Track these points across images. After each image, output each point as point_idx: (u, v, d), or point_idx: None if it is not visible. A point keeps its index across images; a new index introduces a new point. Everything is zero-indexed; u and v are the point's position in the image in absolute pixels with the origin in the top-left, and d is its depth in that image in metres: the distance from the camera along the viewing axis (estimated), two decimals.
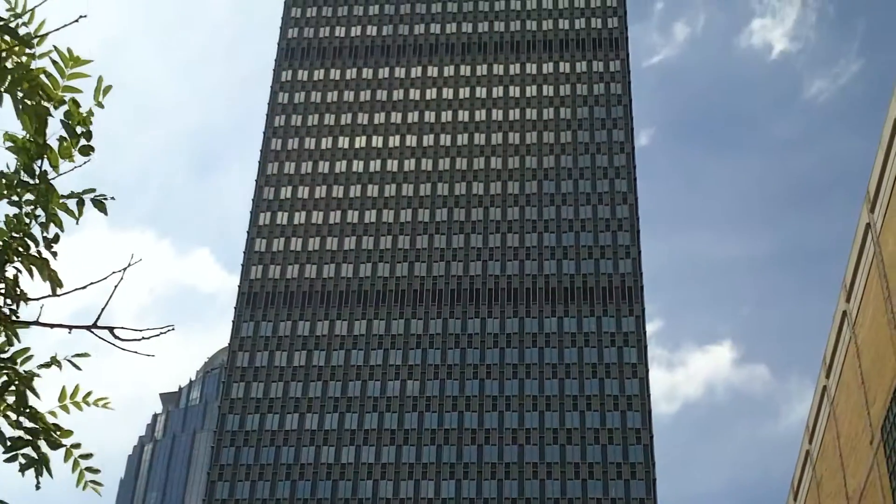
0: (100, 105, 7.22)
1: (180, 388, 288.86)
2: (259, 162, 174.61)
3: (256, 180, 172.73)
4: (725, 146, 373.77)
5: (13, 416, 6.99)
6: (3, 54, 6.86)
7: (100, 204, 7.23)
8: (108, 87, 7.21)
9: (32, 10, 6.94)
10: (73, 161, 7.24)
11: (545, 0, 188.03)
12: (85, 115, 7.13)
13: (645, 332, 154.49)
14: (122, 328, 7.39)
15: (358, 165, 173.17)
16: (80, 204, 7.24)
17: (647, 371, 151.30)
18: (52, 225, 7.17)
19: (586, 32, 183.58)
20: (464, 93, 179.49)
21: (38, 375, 7.17)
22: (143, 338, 7.42)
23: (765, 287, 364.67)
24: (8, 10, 6.93)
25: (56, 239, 7.08)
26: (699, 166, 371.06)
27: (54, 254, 7.07)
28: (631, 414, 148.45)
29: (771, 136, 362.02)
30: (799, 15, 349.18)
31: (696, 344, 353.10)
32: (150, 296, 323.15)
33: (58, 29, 6.95)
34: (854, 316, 42.85)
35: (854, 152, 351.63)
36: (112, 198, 7.27)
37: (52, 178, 7.18)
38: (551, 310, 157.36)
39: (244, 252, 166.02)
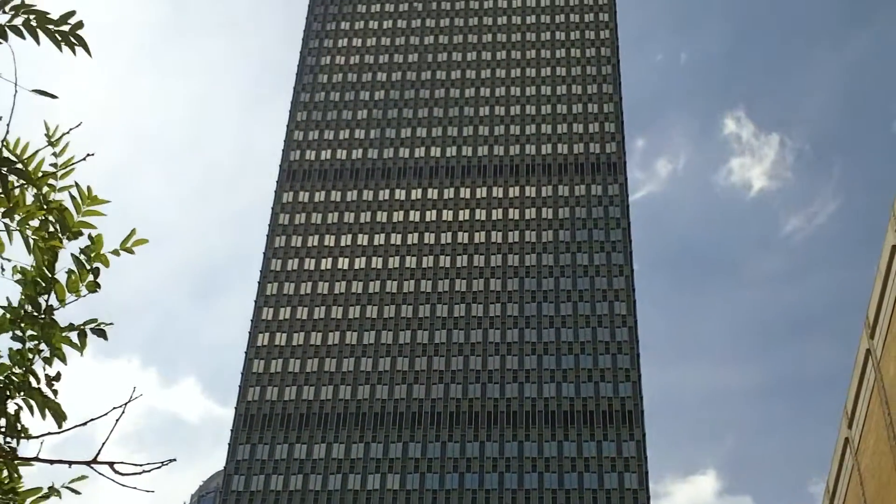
0: (129, 251, 7.29)
1: None
2: (258, 282, 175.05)
3: (255, 301, 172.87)
4: (711, 280, 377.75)
5: None
6: (21, 186, 6.96)
7: (100, 331, 7.24)
8: (143, 241, 7.29)
9: (66, 144, 7.09)
10: (79, 295, 7.27)
11: (544, 126, 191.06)
12: (105, 255, 7.17)
13: (646, 457, 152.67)
14: (122, 463, 7.33)
15: (357, 286, 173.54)
16: (83, 336, 7.24)
17: (648, 497, 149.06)
18: (55, 359, 7.16)
19: (584, 157, 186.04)
20: (463, 215, 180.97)
21: None
22: (144, 471, 7.35)
23: (751, 417, 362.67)
24: (45, 135, 7.09)
25: (58, 377, 7.06)
26: (686, 300, 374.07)
27: (55, 392, 7.05)
28: None
29: (756, 271, 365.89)
30: (777, 154, 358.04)
31: (679, 474, 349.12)
32: (133, 424, 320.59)
33: (68, 167, 7.08)
34: (856, 443, 42.45)
35: (841, 286, 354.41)
36: (110, 323, 7.28)
37: (57, 309, 7.20)
38: (551, 433, 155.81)
39: (241, 373, 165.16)
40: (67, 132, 7.11)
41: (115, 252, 7.21)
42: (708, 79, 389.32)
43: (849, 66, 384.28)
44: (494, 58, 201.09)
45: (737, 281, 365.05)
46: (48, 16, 6.65)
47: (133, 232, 7.29)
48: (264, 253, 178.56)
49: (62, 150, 7.11)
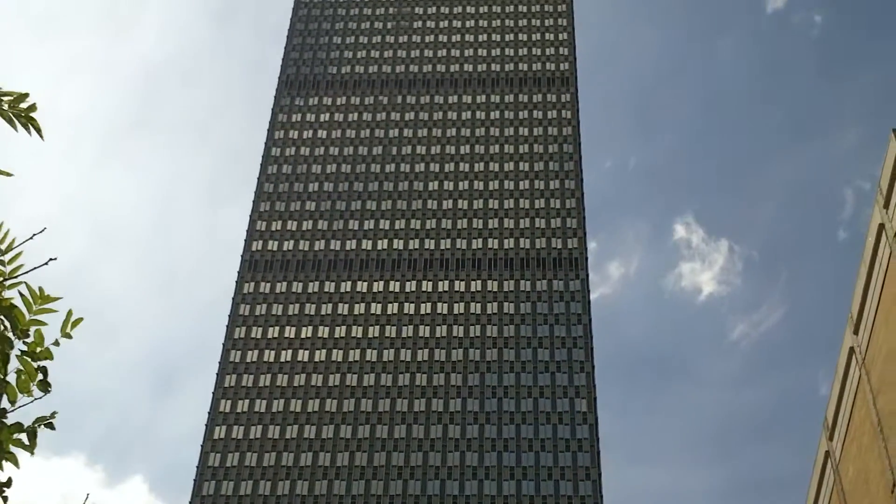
0: (68, 336, 7.19)
1: None
2: (217, 374, 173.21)
3: (213, 393, 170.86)
4: (665, 383, 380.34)
5: None
6: None
7: (48, 425, 7.11)
8: (79, 320, 7.20)
9: (19, 251, 7.00)
10: (31, 395, 7.14)
11: (506, 220, 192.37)
12: (48, 348, 7.06)
13: None
14: None
15: (317, 379, 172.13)
16: (33, 435, 7.10)
17: None
18: (5, 462, 6.99)
19: (546, 252, 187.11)
20: (425, 308, 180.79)
21: None
22: None
23: None
24: None
25: (9, 483, 6.90)
26: (641, 401, 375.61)
27: (5, 498, 6.87)
28: None
29: (708, 375, 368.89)
30: (726, 260, 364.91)
31: None
32: None
33: (28, 271, 7.00)
34: None
35: (791, 391, 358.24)
36: (55, 412, 7.14)
37: (10, 412, 7.06)
38: None
39: (197, 467, 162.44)
40: (24, 242, 7.02)
41: (56, 343, 7.10)
42: (658, 184, 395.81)
43: (797, 174, 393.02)
44: (458, 152, 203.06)
45: (691, 384, 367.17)
46: None
47: (69, 314, 7.18)
48: (223, 344, 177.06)
49: (10, 256, 7.00)
